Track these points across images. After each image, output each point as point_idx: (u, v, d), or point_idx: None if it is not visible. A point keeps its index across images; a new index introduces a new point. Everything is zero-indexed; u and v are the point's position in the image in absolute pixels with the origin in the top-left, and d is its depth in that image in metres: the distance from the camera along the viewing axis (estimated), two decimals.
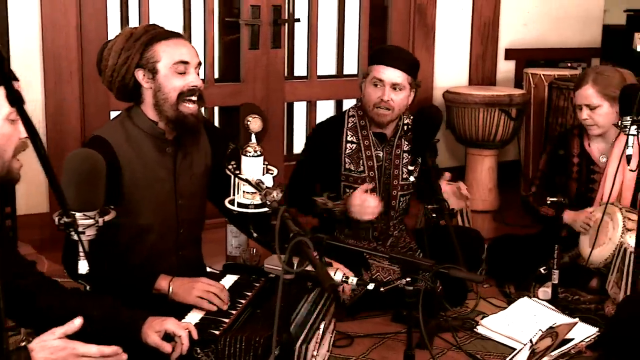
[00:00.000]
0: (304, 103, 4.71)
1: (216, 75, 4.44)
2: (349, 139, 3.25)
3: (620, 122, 3.25)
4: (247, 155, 2.28)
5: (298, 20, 4.49)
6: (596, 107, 3.32)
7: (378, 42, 4.85)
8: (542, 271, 3.17)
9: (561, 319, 2.92)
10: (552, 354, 2.70)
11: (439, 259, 2.71)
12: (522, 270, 3.34)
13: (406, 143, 3.28)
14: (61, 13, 3.70)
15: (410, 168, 3.07)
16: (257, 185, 2.22)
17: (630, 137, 3.01)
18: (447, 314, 3.10)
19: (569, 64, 5.30)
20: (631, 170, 3.08)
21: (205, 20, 4.16)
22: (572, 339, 2.66)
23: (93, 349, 1.81)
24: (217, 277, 2.68)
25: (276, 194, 2.10)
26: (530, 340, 2.34)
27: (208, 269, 2.89)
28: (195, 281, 2.43)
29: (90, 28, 3.81)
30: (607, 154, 3.38)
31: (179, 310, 2.39)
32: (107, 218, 1.91)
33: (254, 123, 2.33)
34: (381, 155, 3.24)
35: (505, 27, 5.17)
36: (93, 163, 1.93)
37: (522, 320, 2.97)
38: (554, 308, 3.06)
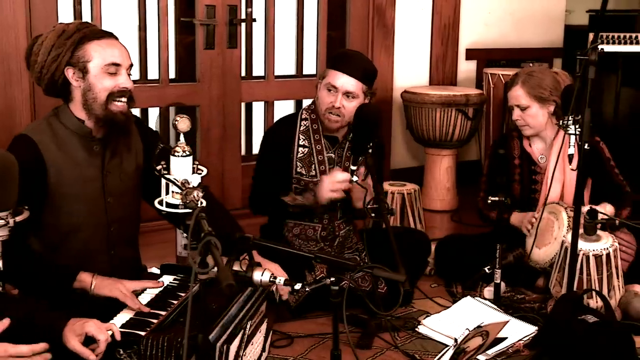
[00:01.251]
0: (263, 103, 4.71)
1: (173, 75, 4.43)
2: (300, 142, 3.23)
3: (561, 121, 3.27)
4: (175, 155, 2.28)
5: (254, 20, 4.48)
6: (526, 108, 3.35)
7: (337, 43, 4.86)
8: (487, 271, 3.16)
9: (501, 318, 2.93)
10: (489, 352, 2.71)
11: (384, 259, 2.75)
12: (470, 269, 3.33)
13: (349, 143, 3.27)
14: (10, 13, 3.68)
15: (353, 168, 3.05)
16: (183, 185, 2.22)
17: (572, 137, 3.03)
18: (391, 314, 3.10)
19: (531, 64, 5.30)
20: (572, 170, 3.09)
21: (160, 20, 4.15)
22: (506, 338, 2.66)
23: (24, 348, 1.82)
24: (156, 278, 2.68)
25: (196, 194, 2.10)
26: (455, 340, 2.34)
27: (149, 270, 2.89)
28: (120, 280, 2.44)
29: (41, 29, 3.75)
30: (546, 154, 3.41)
31: (110, 310, 2.39)
32: (19, 218, 1.89)
33: (182, 123, 2.32)
34: (333, 157, 3.24)
35: (466, 28, 5.19)
36: (3, 164, 1.92)
37: (464, 319, 2.97)
38: (496, 307, 3.07)
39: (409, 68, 5.01)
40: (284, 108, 4.89)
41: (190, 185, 2.22)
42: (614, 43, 4.39)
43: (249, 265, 2.32)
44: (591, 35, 4.51)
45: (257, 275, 2.32)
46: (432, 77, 5.10)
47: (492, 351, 2.72)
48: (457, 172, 4.80)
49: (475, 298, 3.15)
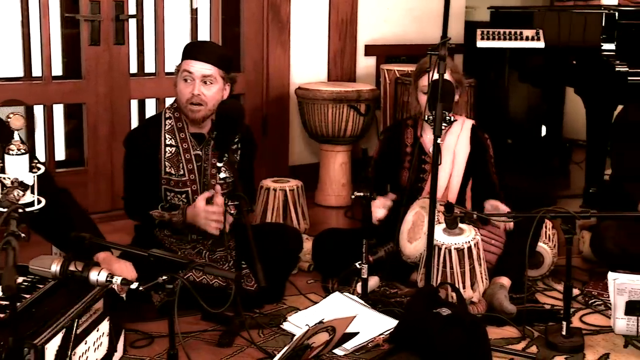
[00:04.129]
0: (154, 100, 4.65)
1: (60, 72, 4.34)
2: (167, 142, 3.19)
3: (428, 116, 3.30)
4: (10, 154, 2.22)
5: (142, 16, 4.42)
6: None
7: (232, 39, 4.82)
8: (358, 266, 3.16)
9: (368, 313, 2.95)
10: (347, 347, 2.71)
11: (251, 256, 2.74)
12: (346, 264, 3.34)
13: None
14: None
15: (219, 165, 3.03)
16: (12, 184, 2.17)
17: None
18: (260, 311, 3.09)
19: None
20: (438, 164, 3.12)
21: (41, 15, 4.05)
22: (357, 332, 2.66)
23: None
24: None
25: (16, 194, 2.05)
26: (292, 336, 2.34)
27: None
28: None
29: None
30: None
31: None
32: None
33: (16, 120, 2.27)
34: (200, 155, 3.21)
35: (365, 24, 5.20)
36: None
37: (329, 315, 2.96)
38: (363, 302, 3.07)
39: (307, 64, 5.00)
40: None
41: (21, 185, 2.18)
42: (499, 39, 4.44)
43: (85, 265, 2.29)
44: (479, 31, 4.59)
45: (94, 275, 2.29)
46: (331, 73, 5.09)
47: (350, 346, 2.73)
48: (354, 168, 4.81)
49: (344, 293, 3.15)
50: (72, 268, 2.25)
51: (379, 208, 3.29)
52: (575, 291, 3.37)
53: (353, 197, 3.09)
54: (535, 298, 3.30)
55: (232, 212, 2.84)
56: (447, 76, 3.32)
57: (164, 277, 2.16)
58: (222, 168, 3.04)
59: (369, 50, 5.24)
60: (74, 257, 2.27)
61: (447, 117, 3.14)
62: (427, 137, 3.50)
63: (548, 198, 4.92)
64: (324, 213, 4.61)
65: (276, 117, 4.92)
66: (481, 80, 4.91)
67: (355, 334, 2.62)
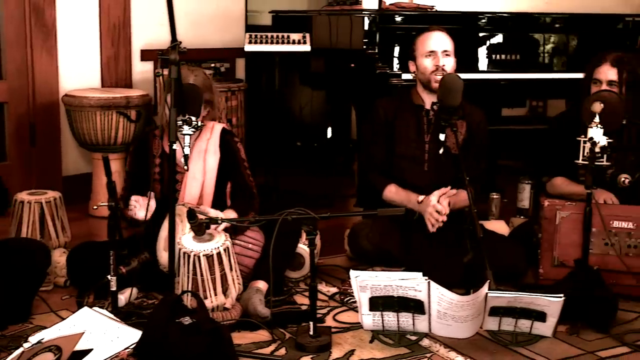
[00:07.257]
0: None
1: None
2: None
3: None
4: None
5: None
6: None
7: None
8: (109, 278, 3.05)
9: (115, 327, 2.84)
10: None
11: None
12: (102, 278, 3.22)
13: None
14: None
15: None
16: None
17: (186, 137, 3.04)
18: (2, 332, 2.91)
19: (212, 65, 5.32)
20: (186, 170, 3.08)
21: None
22: (91, 349, 2.55)
23: None
24: None
25: None
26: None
27: None
28: None
29: None
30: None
31: None
32: None
33: None
34: None
35: (139, 28, 5.07)
36: None
37: (75, 332, 2.83)
38: (114, 317, 2.96)
39: (78, 70, 4.82)
40: None
41: None
42: (267, 43, 4.48)
43: None
44: (247, 35, 4.60)
45: None
46: (104, 79, 4.93)
47: None
48: None
49: (94, 308, 3.01)
50: None
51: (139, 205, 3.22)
52: (334, 289, 3.45)
53: (95, 208, 2.98)
54: (293, 300, 3.33)
55: None
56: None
57: None
58: None
59: (145, 55, 5.12)
60: None
61: (195, 122, 3.09)
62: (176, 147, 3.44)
63: (326, 199, 5.03)
64: (97, 224, 4.44)
65: (45, 126, 4.70)
66: (255, 84, 4.94)
67: (89, 350, 2.51)
